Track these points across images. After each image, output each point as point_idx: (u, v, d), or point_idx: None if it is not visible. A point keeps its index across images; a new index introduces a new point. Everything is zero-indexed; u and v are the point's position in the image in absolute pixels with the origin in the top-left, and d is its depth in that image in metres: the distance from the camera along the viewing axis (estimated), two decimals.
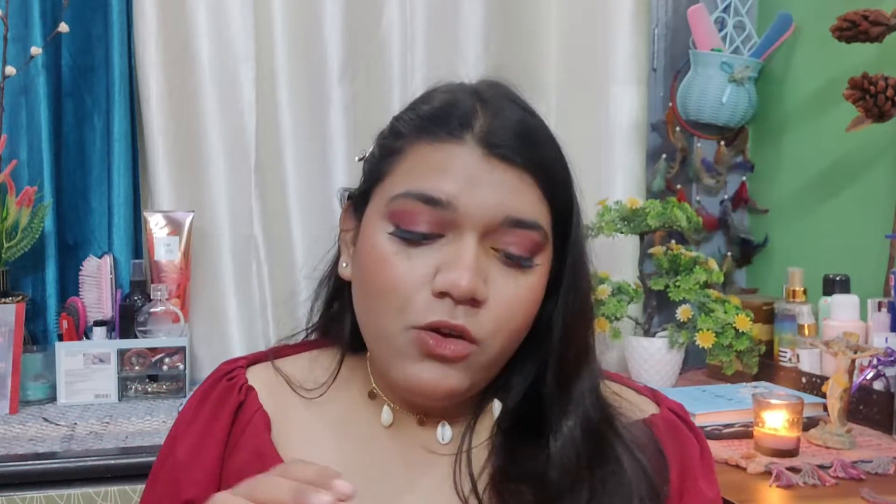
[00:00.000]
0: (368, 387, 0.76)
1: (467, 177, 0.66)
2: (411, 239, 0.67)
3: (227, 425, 0.74)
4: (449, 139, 0.67)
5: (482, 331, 0.66)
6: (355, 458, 0.73)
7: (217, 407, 0.75)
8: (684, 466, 0.75)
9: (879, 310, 1.53)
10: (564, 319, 0.71)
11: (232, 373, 0.77)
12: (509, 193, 0.66)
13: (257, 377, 0.77)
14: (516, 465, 0.70)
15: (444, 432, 0.74)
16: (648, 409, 0.78)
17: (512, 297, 0.67)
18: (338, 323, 0.79)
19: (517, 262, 0.68)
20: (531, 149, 0.67)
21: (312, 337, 0.82)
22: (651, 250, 1.81)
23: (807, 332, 1.66)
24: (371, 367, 0.76)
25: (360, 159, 0.76)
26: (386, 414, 0.74)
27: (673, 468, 0.74)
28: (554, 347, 0.71)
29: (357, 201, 0.74)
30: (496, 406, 0.75)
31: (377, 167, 0.71)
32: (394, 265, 0.66)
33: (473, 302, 0.65)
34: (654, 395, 0.81)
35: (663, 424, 0.76)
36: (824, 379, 1.47)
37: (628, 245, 1.90)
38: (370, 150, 0.74)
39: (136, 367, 1.69)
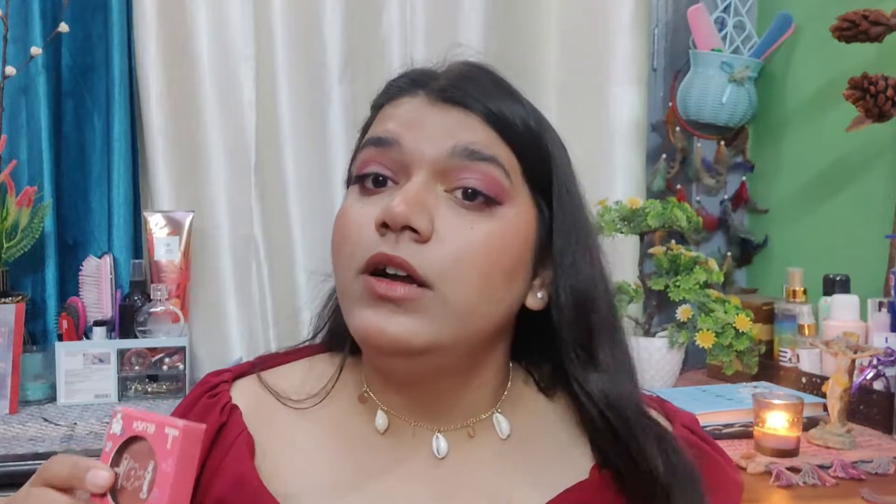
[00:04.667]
0: (360, 390, 0.72)
1: (412, 118, 0.67)
2: (368, 186, 0.67)
3: (205, 449, 0.67)
4: (404, 95, 0.69)
5: (429, 269, 0.62)
6: (351, 470, 0.69)
7: None
8: (715, 490, 0.71)
9: (879, 310, 1.53)
10: (569, 299, 0.67)
11: (216, 388, 0.73)
12: (456, 128, 0.66)
13: (242, 392, 0.73)
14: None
15: (440, 445, 0.70)
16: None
17: (465, 237, 0.64)
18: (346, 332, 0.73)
19: (475, 201, 0.65)
20: (479, 90, 0.67)
21: (317, 341, 0.79)
22: (651, 250, 1.81)
23: (807, 332, 1.65)
24: (364, 368, 0.73)
25: None
26: (380, 419, 0.70)
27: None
28: (559, 331, 0.68)
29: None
30: (502, 422, 0.71)
31: (357, 144, 0.73)
32: (349, 215, 0.67)
33: (413, 233, 0.63)
34: (662, 407, 0.76)
35: (681, 445, 0.71)
36: (824, 379, 1.47)
37: (628, 245, 1.89)
38: None
39: (136, 367, 1.69)
